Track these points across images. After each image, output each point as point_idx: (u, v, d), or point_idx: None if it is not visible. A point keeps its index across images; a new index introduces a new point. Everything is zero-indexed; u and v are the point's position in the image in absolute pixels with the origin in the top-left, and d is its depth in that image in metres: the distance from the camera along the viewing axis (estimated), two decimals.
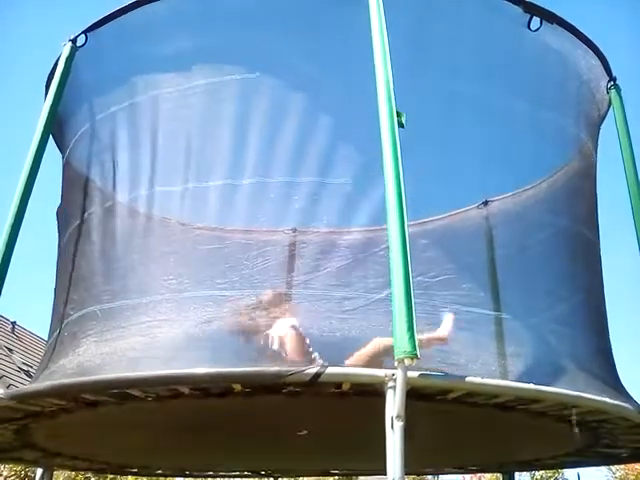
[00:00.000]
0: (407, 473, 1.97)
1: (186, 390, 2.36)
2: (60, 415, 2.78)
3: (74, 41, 3.51)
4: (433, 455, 4.19)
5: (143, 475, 6.37)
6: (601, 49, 3.60)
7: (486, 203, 3.15)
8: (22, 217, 3.14)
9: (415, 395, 2.18)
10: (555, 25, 3.36)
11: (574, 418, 2.44)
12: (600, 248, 3.54)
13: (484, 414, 2.59)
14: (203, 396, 2.43)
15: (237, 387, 2.31)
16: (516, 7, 3.25)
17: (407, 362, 2.03)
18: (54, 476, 4.89)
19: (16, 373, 8.55)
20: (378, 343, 2.56)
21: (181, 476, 5.70)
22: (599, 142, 3.86)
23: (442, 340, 2.61)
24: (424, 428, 2.54)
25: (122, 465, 5.06)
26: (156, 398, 2.48)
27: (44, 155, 3.32)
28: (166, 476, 6.28)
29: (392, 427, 1.98)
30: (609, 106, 3.77)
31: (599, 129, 3.89)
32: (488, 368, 2.56)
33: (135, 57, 3.37)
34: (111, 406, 2.59)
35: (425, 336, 2.54)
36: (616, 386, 3.01)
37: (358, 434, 3.14)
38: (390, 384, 2.05)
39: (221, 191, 2.92)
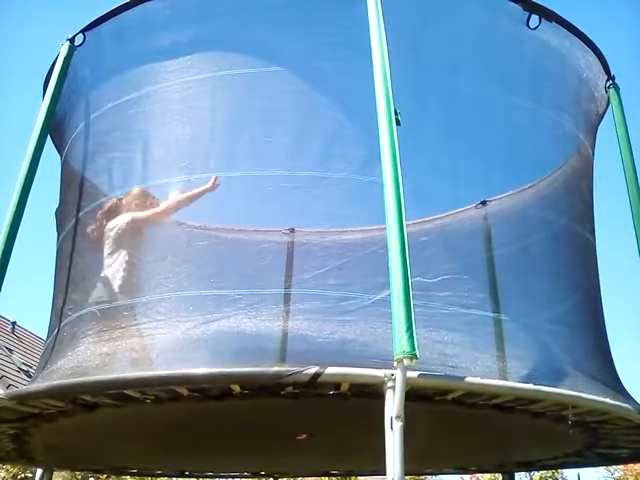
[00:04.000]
0: (407, 473, 1.97)
1: (185, 392, 2.35)
2: (58, 419, 2.78)
3: (72, 40, 3.52)
4: (433, 456, 4.18)
5: (142, 476, 6.37)
6: (600, 48, 3.60)
7: (484, 203, 3.15)
8: (21, 217, 3.14)
9: (414, 396, 2.17)
10: (554, 23, 3.36)
11: (571, 417, 2.43)
12: (596, 248, 3.54)
13: (484, 415, 2.58)
14: (202, 398, 2.42)
15: (236, 389, 2.31)
16: (515, 5, 3.25)
17: (406, 362, 2.02)
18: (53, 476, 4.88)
19: (16, 373, 8.53)
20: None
21: (181, 476, 5.69)
22: (596, 141, 3.86)
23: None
24: (423, 429, 2.53)
25: (121, 467, 5.06)
26: (155, 400, 2.47)
27: (42, 155, 3.32)
28: (165, 477, 6.29)
29: (391, 427, 1.98)
30: (608, 105, 3.77)
31: (597, 128, 3.89)
32: (487, 369, 2.55)
33: (132, 55, 3.37)
34: (109, 409, 2.58)
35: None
36: (616, 386, 3.00)
37: (358, 435, 3.13)
38: (389, 384, 2.05)
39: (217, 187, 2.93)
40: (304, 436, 3.27)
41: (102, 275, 3.01)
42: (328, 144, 2.86)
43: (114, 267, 3.00)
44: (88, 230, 3.12)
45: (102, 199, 3.20)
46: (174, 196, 2.97)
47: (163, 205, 3.01)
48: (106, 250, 3.07)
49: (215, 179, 2.86)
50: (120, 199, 3.14)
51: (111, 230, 3.10)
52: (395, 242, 2.19)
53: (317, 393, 2.31)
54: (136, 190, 3.13)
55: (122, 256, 3.01)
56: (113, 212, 3.14)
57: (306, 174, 2.80)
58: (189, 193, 2.94)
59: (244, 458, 4.40)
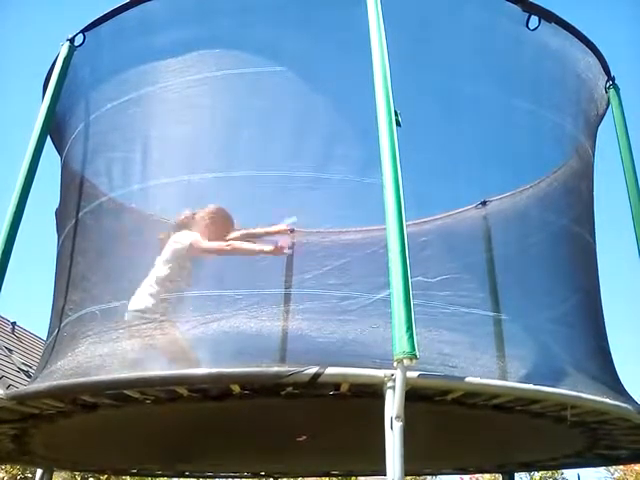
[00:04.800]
0: (407, 473, 1.97)
1: (185, 392, 2.35)
2: (58, 419, 2.78)
3: (72, 41, 3.52)
4: (433, 456, 4.18)
5: (142, 476, 6.36)
6: (600, 48, 3.61)
7: (484, 203, 3.15)
8: (21, 217, 3.14)
9: (414, 396, 2.17)
10: (553, 24, 3.36)
11: (569, 417, 2.43)
12: (596, 249, 3.54)
13: (483, 416, 2.58)
14: (202, 399, 2.42)
15: (236, 389, 2.31)
16: (515, 6, 3.25)
17: (406, 362, 2.03)
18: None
19: (16, 374, 8.53)
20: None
21: (181, 477, 5.69)
22: (597, 142, 3.86)
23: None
24: (424, 429, 2.53)
25: (121, 467, 5.06)
26: (155, 401, 2.47)
27: (42, 156, 3.32)
28: (165, 477, 6.29)
29: (391, 427, 1.98)
30: (607, 105, 3.77)
31: (597, 129, 3.89)
32: (487, 369, 2.55)
33: (132, 55, 3.37)
34: (109, 409, 2.58)
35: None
36: (616, 387, 3.00)
37: (358, 435, 3.13)
38: (389, 384, 2.05)
39: (217, 187, 2.92)
40: (304, 437, 3.28)
41: (151, 278, 2.91)
42: (328, 145, 2.86)
43: (162, 273, 2.91)
44: (159, 237, 3.03)
45: (102, 199, 3.20)
46: (236, 240, 2.89)
47: (221, 245, 2.89)
48: (162, 256, 2.97)
49: (282, 246, 2.71)
50: (194, 213, 3.03)
51: (174, 242, 2.99)
52: (395, 242, 2.20)
53: (317, 393, 2.31)
54: (211, 207, 3.02)
55: (171, 268, 2.91)
56: (184, 225, 3.03)
57: (306, 174, 2.80)
58: (251, 247, 2.81)
59: (244, 458, 4.40)
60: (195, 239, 2.95)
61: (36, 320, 19.50)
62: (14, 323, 11.26)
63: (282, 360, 2.63)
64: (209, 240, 2.98)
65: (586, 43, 3.54)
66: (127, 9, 3.33)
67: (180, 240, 2.98)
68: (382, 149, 2.40)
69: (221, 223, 3.01)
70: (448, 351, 2.51)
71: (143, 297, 2.83)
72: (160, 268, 2.91)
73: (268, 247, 2.72)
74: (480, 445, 3.75)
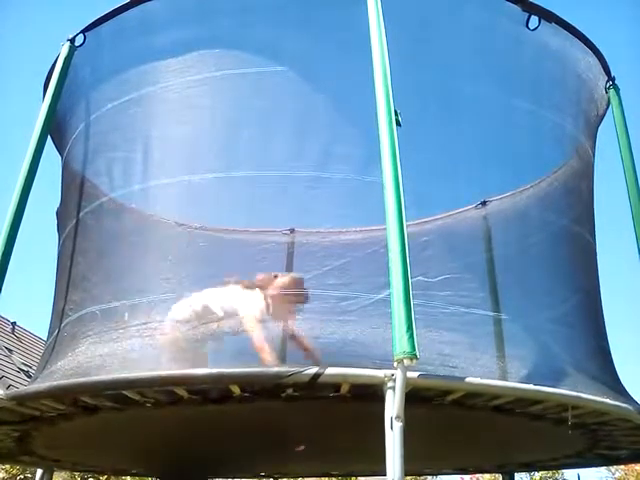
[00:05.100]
0: (407, 473, 1.97)
1: (185, 394, 2.35)
2: (59, 422, 2.78)
3: (72, 41, 3.52)
4: (433, 456, 4.18)
5: (142, 476, 6.36)
6: (600, 48, 3.61)
7: (484, 203, 3.15)
8: (21, 217, 3.14)
9: (415, 397, 2.17)
10: (553, 24, 3.36)
11: (570, 417, 2.43)
12: (596, 249, 3.54)
13: (484, 417, 2.58)
14: (202, 401, 2.42)
15: (236, 390, 2.30)
16: (515, 6, 3.25)
17: (406, 362, 2.03)
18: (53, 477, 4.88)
19: (16, 374, 8.52)
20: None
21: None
22: (597, 142, 3.86)
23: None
24: (423, 429, 2.52)
25: (121, 469, 5.07)
26: (155, 404, 2.46)
27: (43, 156, 3.32)
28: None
29: (391, 427, 1.98)
30: (607, 105, 3.77)
31: (597, 129, 3.89)
32: (487, 369, 2.55)
33: (132, 55, 3.37)
34: (110, 412, 2.58)
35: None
36: (616, 387, 3.00)
37: (358, 436, 3.12)
38: (390, 384, 2.05)
39: (217, 188, 2.92)
40: (302, 447, 3.29)
41: (203, 299, 2.85)
42: (328, 144, 2.86)
43: (213, 308, 2.82)
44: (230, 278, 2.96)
45: (102, 199, 3.20)
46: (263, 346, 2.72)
47: (254, 342, 2.72)
48: (229, 295, 2.89)
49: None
50: (276, 276, 2.97)
51: (243, 301, 2.89)
52: (395, 242, 2.20)
53: (317, 395, 2.30)
54: (289, 279, 2.93)
55: (223, 312, 2.81)
56: (263, 283, 2.98)
57: (306, 174, 2.80)
58: (261, 351, 2.67)
59: (244, 459, 4.40)
60: (246, 314, 2.86)
61: (36, 320, 19.45)
62: (14, 323, 11.25)
63: (282, 360, 2.63)
64: (269, 303, 2.93)
65: (586, 43, 3.53)
66: (127, 9, 3.33)
67: (245, 304, 2.89)
68: (382, 149, 2.40)
69: (286, 296, 2.91)
70: (448, 351, 2.51)
71: (186, 310, 2.79)
72: (217, 301, 2.84)
73: (266, 356, 2.60)
74: (480, 445, 3.74)
